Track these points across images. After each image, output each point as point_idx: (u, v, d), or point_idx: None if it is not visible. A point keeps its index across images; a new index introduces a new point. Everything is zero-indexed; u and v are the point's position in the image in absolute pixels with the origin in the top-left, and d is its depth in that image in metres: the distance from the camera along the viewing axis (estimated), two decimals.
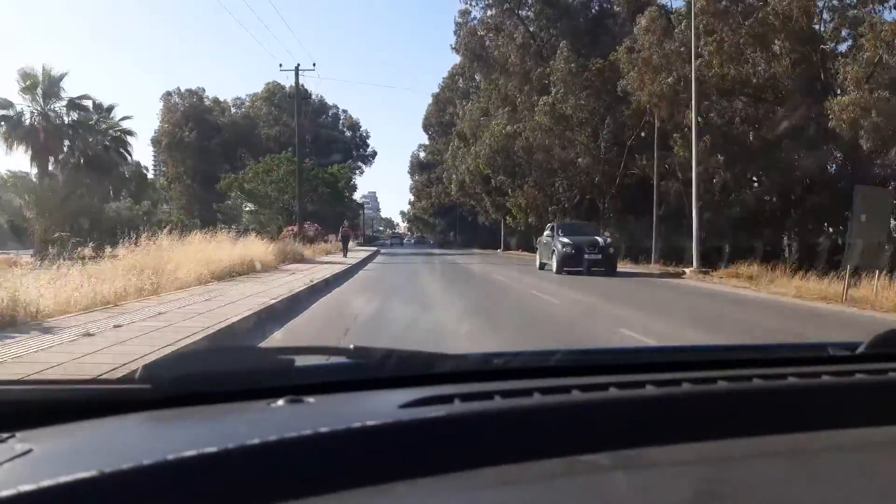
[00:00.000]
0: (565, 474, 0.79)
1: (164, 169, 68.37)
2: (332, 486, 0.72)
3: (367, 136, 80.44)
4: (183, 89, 66.71)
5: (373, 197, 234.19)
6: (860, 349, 1.30)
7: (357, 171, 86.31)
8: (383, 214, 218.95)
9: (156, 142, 66.23)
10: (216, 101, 68.73)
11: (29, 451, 0.79)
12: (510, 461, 0.79)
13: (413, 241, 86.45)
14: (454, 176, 51.02)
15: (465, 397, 0.95)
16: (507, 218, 44.43)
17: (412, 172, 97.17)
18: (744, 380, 1.07)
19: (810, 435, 0.94)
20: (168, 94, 65.92)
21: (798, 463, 0.86)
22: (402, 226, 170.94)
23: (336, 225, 64.20)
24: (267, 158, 46.21)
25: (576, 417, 0.93)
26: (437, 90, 67.85)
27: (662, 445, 0.86)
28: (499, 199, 43.27)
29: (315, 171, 47.39)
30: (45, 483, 0.67)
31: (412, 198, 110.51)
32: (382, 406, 0.95)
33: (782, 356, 1.38)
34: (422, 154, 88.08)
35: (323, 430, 0.81)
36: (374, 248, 50.49)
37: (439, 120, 68.40)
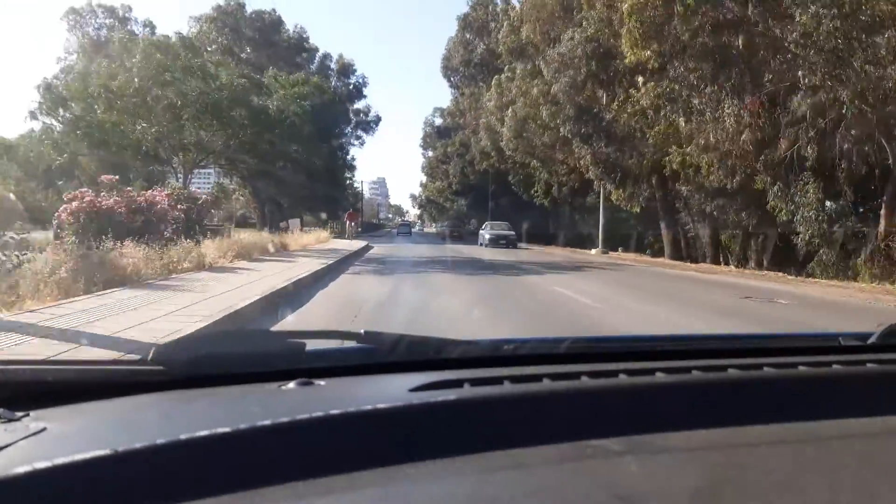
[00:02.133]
0: (575, 458, 0.77)
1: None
2: (343, 468, 0.71)
3: (365, 84, 57.06)
4: (96, 3, 44.21)
5: (381, 183, 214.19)
6: (871, 339, 1.25)
7: (357, 141, 63.71)
8: (392, 201, 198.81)
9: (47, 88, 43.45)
10: (149, 25, 46.02)
11: (43, 429, 0.77)
12: (520, 445, 0.78)
13: (447, 230, 48.42)
14: (506, 121, 28.02)
15: (475, 382, 0.93)
16: (620, 191, 21.66)
17: (425, 146, 76.15)
18: (754, 368, 1.04)
19: (821, 423, 0.91)
20: (74, 12, 43.65)
21: (808, 451, 0.84)
22: (413, 213, 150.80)
23: (299, 205, 43.00)
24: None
25: (585, 403, 0.91)
26: (465, 10, 45.05)
27: (672, 432, 0.84)
28: (610, 153, 20.48)
29: (218, 74, 22.75)
30: (60, 460, 0.66)
31: (424, 178, 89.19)
32: (393, 389, 0.93)
33: (793, 345, 1.33)
34: (437, 120, 65.83)
35: (334, 412, 0.79)
36: (364, 243, 27.63)
37: (467, 58, 45.83)
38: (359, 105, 60.95)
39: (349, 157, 65.99)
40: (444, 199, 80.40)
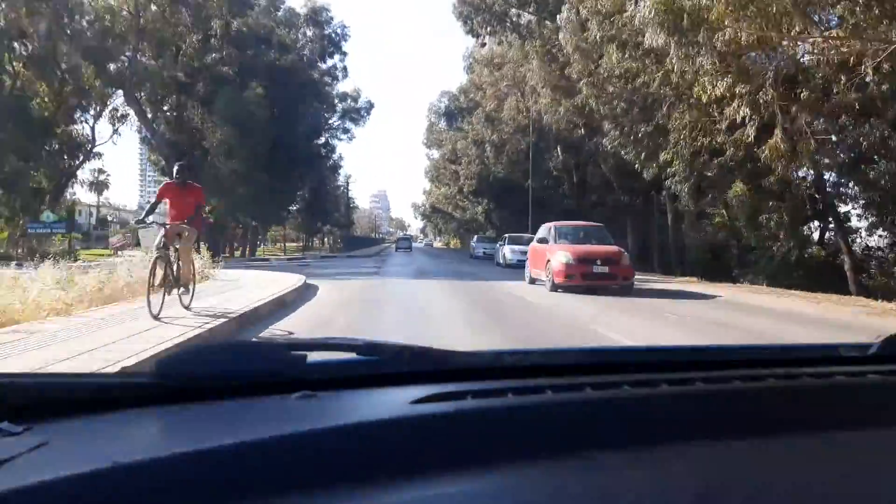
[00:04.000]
0: (579, 471, 0.75)
1: None
2: (345, 480, 0.70)
3: (344, 38, 40.14)
4: None
5: (382, 196, 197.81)
6: (872, 350, 1.22)
7: (343, 134, 46.80)
8: (394, 215, 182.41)
9: None
10: None
11: (45, 443, 0.76)
12: (523, 457, 0.76)
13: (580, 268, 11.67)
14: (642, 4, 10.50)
15: (478, 394, 0.90)
16: None
17: (429, 144, 59.56)
18: (757, 380, 1.01)
19: (823, 434, 0.89)
20: None
21: (811, 461, 0.82)
22: (415, 227, 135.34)
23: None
24: None
25: (588, 415, 0.89)
26: None
27: (676, 443, 0.82)
28: None
29: None
30: (61, 474, 0.64)
31: (428, 185, 72.79)
32: (395, 401, 0.90)
33: (795, 357, 1.31)
34: (444, 102, 49.26)
35: (336, 424, 0.78)
36: (274, 295, 10.19)
37: None
38: (345, 88, 44.59)
39: (336, 156, 49.25)
40: (452, 207, 63.99)
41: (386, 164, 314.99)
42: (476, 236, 36.83)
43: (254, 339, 3.07)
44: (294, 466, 0.71)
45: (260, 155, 27.27)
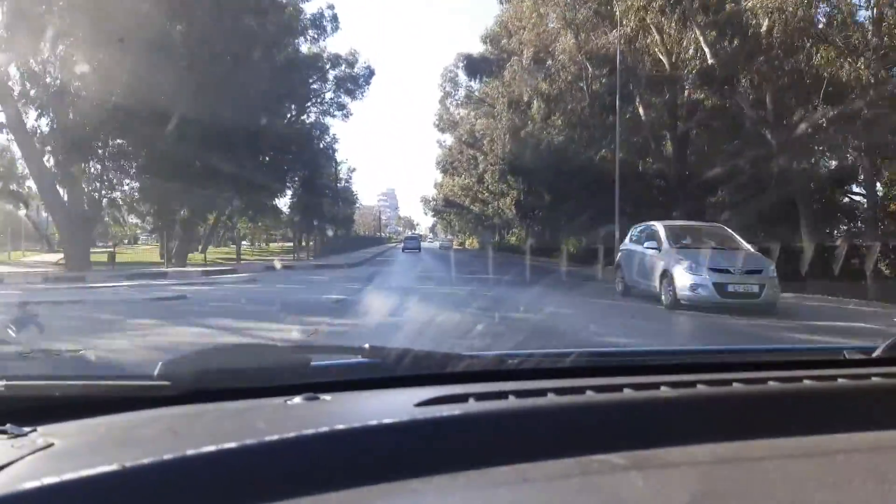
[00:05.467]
0: (581, 473, 0.75)
1: None
2: (348, 483, 0.69)
3: None
4: None
5: (391, 195, 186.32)
6: (876, 353, 1.21)
7: (337, 111, 35.48)
8: (402, 213, 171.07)
9: None
10: None
11: (50, 445, 0.76)
12: (525, 460, 0.75)
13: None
14: None
15: (480, 396, 0.91)
16: None
17: (442, 126, 48.63)
18: (759, 382, 1.00)
19: (826, 437, 0.87)
20: None
21: (814, 465, 0.81)
22: (424, 226, 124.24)
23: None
24: None
25: (590, 418, 0.88)
26: None
27: (677, 446, 0.81)
28: None
29: None
30: (67, 476, 0.64)
31: (439, 177, 61.22)
32: (398, 404, 0.91)
33: (798, 359, 1.30)
34: (460, 72, 38.14)
35: (340, 427, 0.78)
36: None
37: None
38: (337, 49, 33.17)
39: (329, 137, 37.47)
40: (470, 200, 52.37)
41: (393, 161, 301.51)
42: (641, 228, 11.55)
43: (261, 343, 2.82)
44: (298, 469, 0.71)
45: (166, 93, 15.45)
